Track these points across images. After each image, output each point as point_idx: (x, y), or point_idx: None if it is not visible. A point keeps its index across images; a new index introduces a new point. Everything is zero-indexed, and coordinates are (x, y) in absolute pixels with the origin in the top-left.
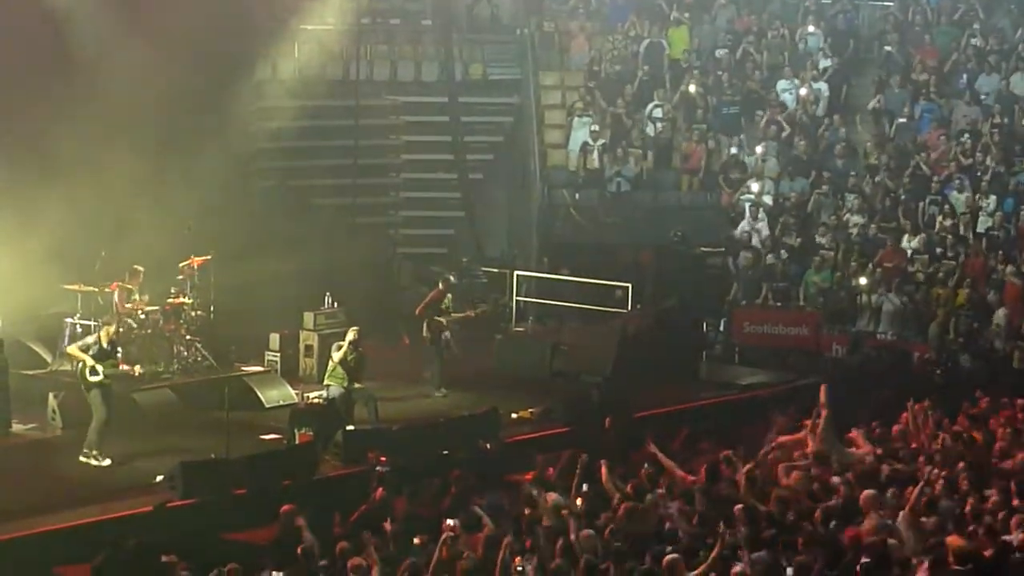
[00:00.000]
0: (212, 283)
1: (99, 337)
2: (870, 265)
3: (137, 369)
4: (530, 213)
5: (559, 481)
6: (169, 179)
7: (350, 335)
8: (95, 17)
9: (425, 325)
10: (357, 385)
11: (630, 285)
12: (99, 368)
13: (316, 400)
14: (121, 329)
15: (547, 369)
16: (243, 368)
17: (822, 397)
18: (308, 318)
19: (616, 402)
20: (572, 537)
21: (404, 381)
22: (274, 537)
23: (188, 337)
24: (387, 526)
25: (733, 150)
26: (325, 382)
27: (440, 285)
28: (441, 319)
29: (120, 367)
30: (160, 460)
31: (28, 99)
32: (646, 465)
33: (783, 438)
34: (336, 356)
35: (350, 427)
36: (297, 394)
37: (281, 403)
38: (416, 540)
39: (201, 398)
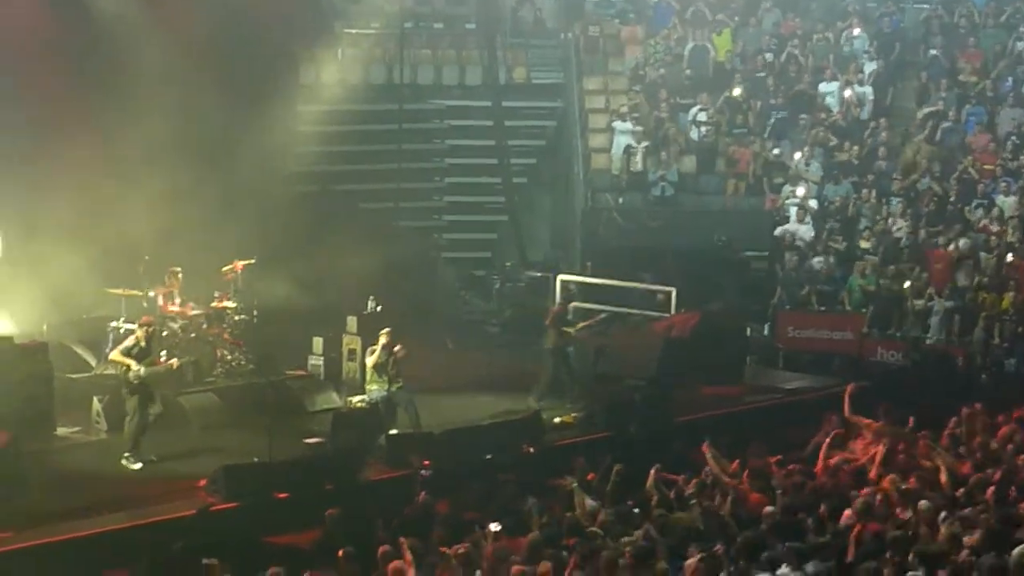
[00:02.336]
0: (255, 287)
1: (136, 337)
2: (916, 269)
3: (174, 362)
4: (573, 217)
5: (598, 486)
6: (212, 184)
7: (382, 338)
8: (138, 25)
9: (551, 335)
10: (395, 388)
11: (673, 289)
12: (141, 371)
13: (359, 404)
14: (165, 332)
15: (590, 372)
16: (286, 372)
17: (845, 401)
18: (351, 322)
19: (659, 405)
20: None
21: (447, 385)
22: (317, 540)
23: (231, 341)
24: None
25: (777, 153)
26: (367, 386)
27: (561, 294)
28: (569, 330)
29: (159, 363)
30: (204, 463)
31: (70, 107)
32: (701, 473)
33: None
34: (370, 360)
35: (393, 431)
36: (339, 398)
37: (324, 407)
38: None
39: (244, 402)
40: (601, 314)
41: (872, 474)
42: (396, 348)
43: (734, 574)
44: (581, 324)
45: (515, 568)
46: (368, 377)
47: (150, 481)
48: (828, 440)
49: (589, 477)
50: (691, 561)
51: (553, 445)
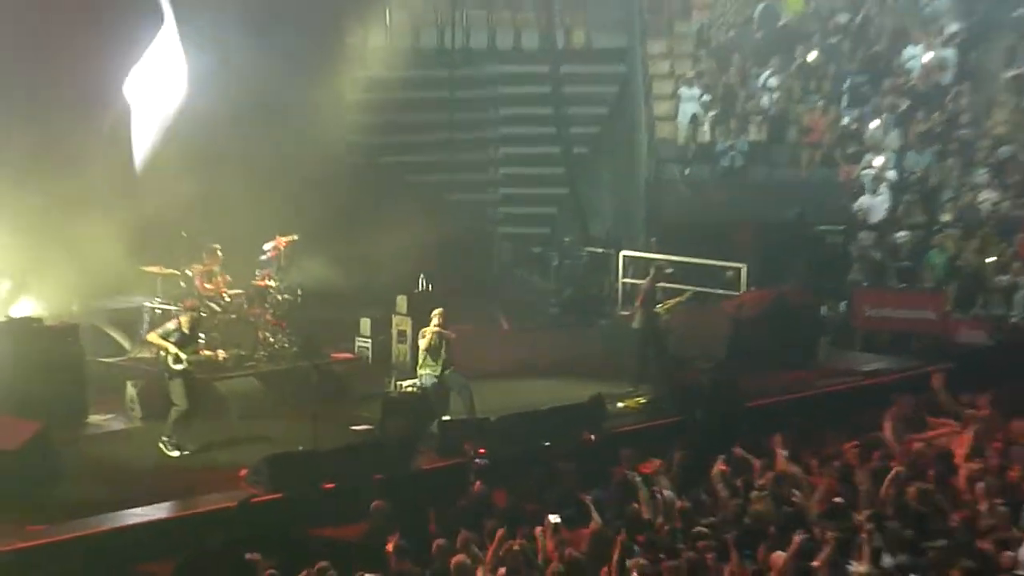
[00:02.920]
0: (299, 265)
1: (180, 322)
2: (1001, 243)
3: (221, 354)
4: (637, 190)
5: (664, 475)
6: (254, 155)
7: (434, 319)
8: None
9: (640, 316)
10: (448, 372)
11: (743, 266)
12: (182, 356)
13: (410, 389)
14: (203, 314)
15: (637, 357)
16: (332, 355)
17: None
18: (401, 301)
19: (727, 390)
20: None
21: (502, 368)
22: (364, 534)
23: (274, 322)
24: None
25: (853, 121)
26: (418, 370)
27: (652, 272)
28: (659, 310)
29: (202, 353)
30: (245, 452)
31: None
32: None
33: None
34: (422, 343)
35: (446, 417)
36: (389, 382)
37: (373, 392)
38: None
39: (287, 387)
40: (687, 292)
41: (958, 459)
42: (447, 331)
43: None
44: (670, 302)
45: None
46: (420, 360)
47: (188, 471)
48: (904, 423)
49: (649, 467)
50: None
51: (616, 432)
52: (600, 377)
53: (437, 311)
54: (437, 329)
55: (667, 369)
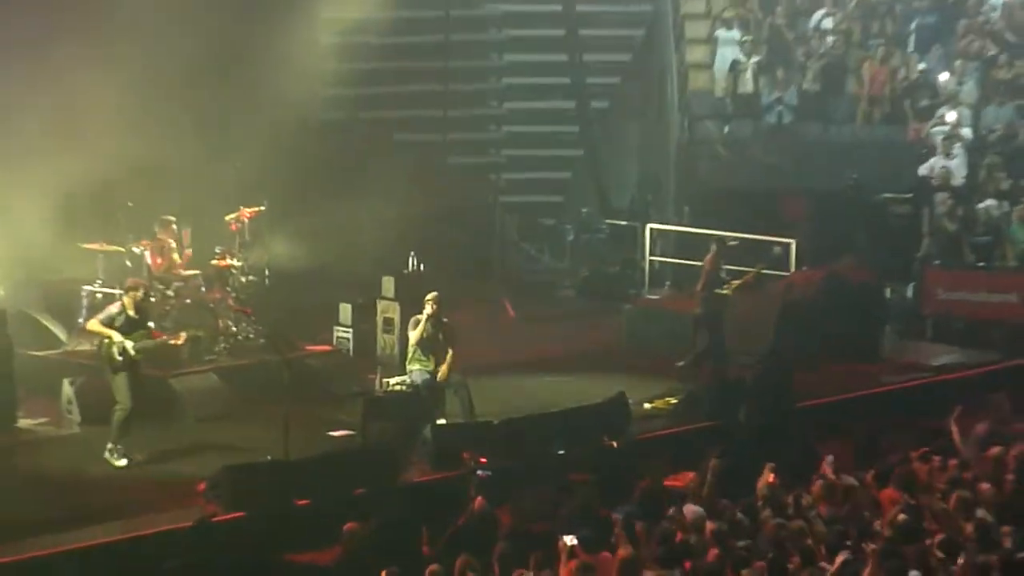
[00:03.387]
0: (267, 241)
1: (123, 305)
2: None
3: (182, 336)
4: (667, 151)
5: (701, 489)
6: (211, 111)
7: (428, 305)
8: None
9: (703, 300)
10: (431, 368)
11: (793, 241)
12: (128, 345)
13: (397, 388)
14: (153, 297)
15: (688, 346)
16: (306, 347)
17: None
18: (387, 284)
19: (775, 388)
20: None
21: (508, 363)
22: (337, 562)
23: (237, 308)
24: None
25: (922, 69)
26: (408, 365)
27: (713, 249)
28: (724, 292)
29: (157, 338)
30: (203, 462)
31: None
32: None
33: None
34: (413, 335)
35: (440, 421)
36: (374, 379)
37: (354, 391)
38: None
39: (253, 385)
40: (755, 270)
41: None
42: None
43: None
44: (736, 283)
45: None
46: (410, 354)
47: (136, 485)
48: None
49: (681, 480)
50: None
51: (642, 438)
52: (623, 373)
53: (431, 295)
54: (432, 315)
55: (724, 366)
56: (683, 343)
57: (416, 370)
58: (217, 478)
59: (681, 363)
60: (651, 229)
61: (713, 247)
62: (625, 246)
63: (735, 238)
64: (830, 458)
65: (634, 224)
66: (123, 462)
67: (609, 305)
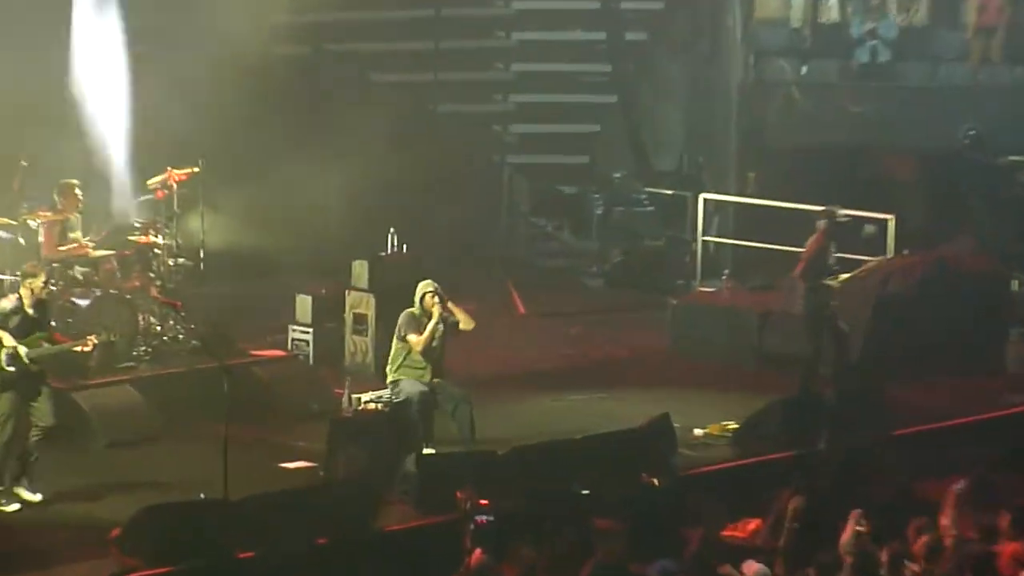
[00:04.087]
0: (203, 212)
1: (20, 299)
2: None
3: (89, 341)
4: (725, 97)
5: (770, 541)
6: (131, 42)
7: (425, 294)
8: None
9: (807, 291)
10: (438, 380)
11: (890, 217)
12: (22, 351)
13: (372, 406)
14: (54, 285)
15: (752, 353)
16: (253, 352)
17: None
18: (359, 270)
19: (865, 408)
20: None
21: (516, 374)
22: None
23: (163, 300)
24: None
25: None
26: (389, 377)
27: (820, 226)
28: (831, 282)
29: (60, 343)
30: (117, 502)
31: None
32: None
33: None
34: (418, 341)
35: (428, 450)
36: (341, 395)
37: (314, 410)
38: None
39: (182, 401)
40: (881, 256)
41: None
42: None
43: None
44: (846, 274)
45: None
46: (392, 362)
47: (31, 532)
48: None
49: (744, 529)
50: None
51: (691, 473)
52: (667, 388)
53: (425, 284)
54: (436, 306)
55: (851, 383)
56: (745, 351)
57: (402, 380)
58: (136, 523)
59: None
60: (705, 200)
61: (821, 224)
62: (670, 222)
63: (844, 214)
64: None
65: (682, 193)
66: (15, 507)
67: (649, 300)
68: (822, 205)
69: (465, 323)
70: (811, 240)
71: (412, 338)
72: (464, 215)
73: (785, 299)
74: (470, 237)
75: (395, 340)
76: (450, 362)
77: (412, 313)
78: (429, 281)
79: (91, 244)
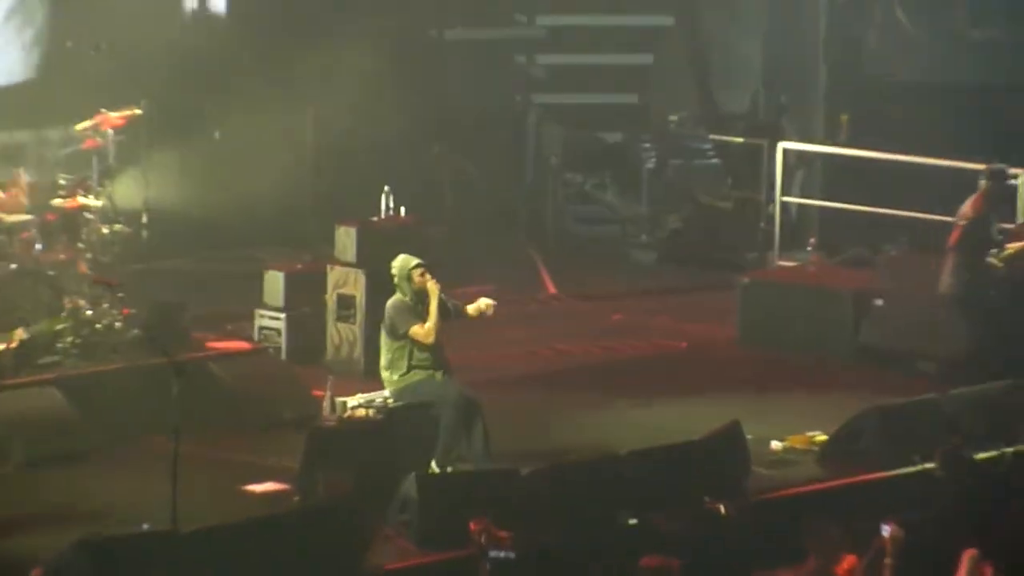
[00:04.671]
0: (145, 166)
1: None
2: None
3: (19, 335)
4: (813, 20)
5: None
6: None
7: (411, 271)
8: None
9: (958, 268)
10: (440, 377)
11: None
12: None
13: (362, 412)
14: None
15: (846, 345)
16: (209, 345)
17: None
18: (345, 239)
19: (988, 419)
20: None
21: (543, 373)
22: None
23: (96, 278)
24: None
25: None
26: (395, 386)
27: (982, 186)
28: (995, 261)
29: None
30: (39, 534)
31: None
32: None
33: None
34: (422, 332)
35: (433, 467)
36: (322, 398)
37: (288, 417)
38: None
39: (120, 407)
40: None
41: None
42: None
43: None
44: (1013, 247)
45: None
46: (391, 367)
47: None
48: None
49: (846, 564)
50: None
51: (768, 498)
52: (737, 390)
53: (407, 260)
54: (430, 280)
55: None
56: (838, 342)
57: (398, 381)
58: (64, 560)
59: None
60: (785, 150)
61: (982, 183)
62: (741, 179)
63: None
64: None
65: (757, 142)
66: None
67: (713, 278)
68: (934, 156)
69: (476, 309)
70: (969, 203)
71: (417, 330)
72: (479, 170)
73: (888, 276)
74: (486, 198)
75: (386, 340)
76: (454, 357)
77: (401, 301)
78: (406, 256)
79: (7, 208)
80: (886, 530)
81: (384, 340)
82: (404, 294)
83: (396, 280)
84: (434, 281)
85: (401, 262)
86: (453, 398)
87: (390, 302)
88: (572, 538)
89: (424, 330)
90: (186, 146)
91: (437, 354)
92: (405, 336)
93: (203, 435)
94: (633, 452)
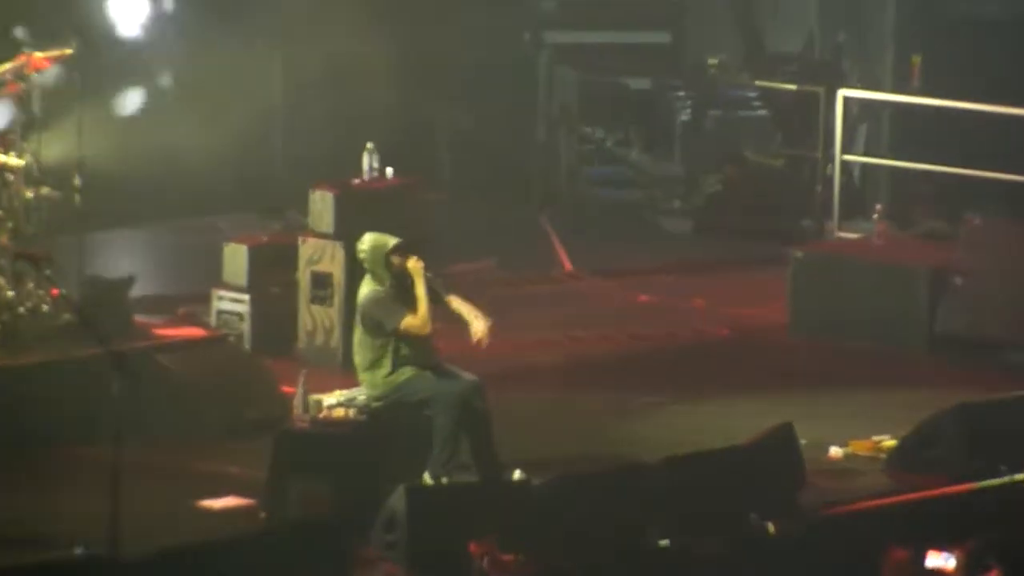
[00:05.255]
0: (80, 117)
1: None
2: None
3: None
4: None
5: None
6: None
7: (388, 255)
8: None
9: None
10: (433, 373)
11: None
12: None
13: (341, 412)
14: None
15: (919, 333)
16: (157, 332)
17: None
18: (321, 204)
19: None
20: None
21: (557, 363)
22: None
23: (19, 252)
24: None
25: None
26: (384, 388)
27: None
28: None
29: None
30: None
31: None
32: None
33: None
34: (414, 322)
35: (426, 479)
36: (293, 396)
37: (252, 419)
38: None
39: (51, 404)
40: None
41: None
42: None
43: None
44: None
45: None
46: (375, 366)
47: None
48: None
49: None
50: None
51: (829, 513)
52: (788, 386)
53: (379, 240)
54: (411, 260)
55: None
56: (909, 329)
57: (408, 380)
58: None
59: None
60: (846, 99)
61: None
62: (794, 133)
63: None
64: None
65: (813, 89)
66: None
67: (759, 251)
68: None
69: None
70: None
71: (411, 322)
72: (480, 123)
73: (970, 251)
74: (490, 156)
75: (365, 339)
76: (449, 347)
77: (378, 291)
78: (379, 235)
79: None
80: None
81: (362, 338)
82: (380, 282)
83: (367, 265)
84: (416, 259)
85: (373, 244)
86: (451, 397)
87: (365, 295)
88: (591, 563)
89: (419, 320)
90: (127, 92)
91: (427, 347)
92: (394, 332)
93: (150, 441)
94: (664, 460)
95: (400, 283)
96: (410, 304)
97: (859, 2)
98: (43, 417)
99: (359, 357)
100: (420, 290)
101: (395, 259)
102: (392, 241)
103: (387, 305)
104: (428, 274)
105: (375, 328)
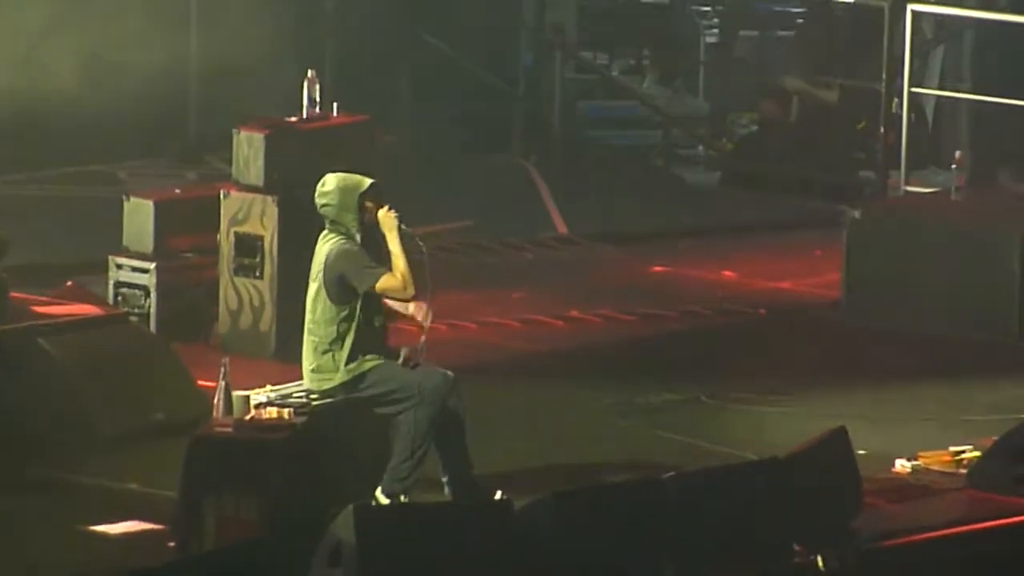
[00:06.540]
0: None
1: None
2: None
3: None
4: None
5: None
6: None
7: (361, 201)
8: None
9: None
10: (378, 361)
11: None
12: None
13: (273, 412)
14: None
15: (1010, 316)
16: (38, 310)
17: None
18: (247, 149)
19: None
20: None
21: (547, 351)
22: None
23: None
24: None
25: None
26: (346, 375)
27: None
28: None
29: None
30: None
31: None
32: None
33: None
34: (395, 282)
35: (379, 497)
36: (214, 393)
37: (158, 419)
38: None
39: None
40: None
41: None
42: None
43: None
44: None
45: None
46: (327, 329)
47: None
48: None
49: None
50: None
51: (893, 544)
52: (842, 380)
53: (348, 181)
54: (384, 209)
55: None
56: (998, 311)
57: (376, 367)
58: None
59: None
60: (916, 15)
61: None
62: (850, 59)
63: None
64: None
65: (874, 2)
66: None
67: (805, 208)
68: None
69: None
70: None
71: (389, 281)
72: (453, 47)
73: None
74: (464, 91)
75: (329, 308)
76: (413, 331)
77: (350, 245)
78: (350, 175)
79: None
80: None
81: (324, 309)
82: (348, 234)
83: (331, 214)
84: (389, 207)
85: (342, 185)
86: (428, 392)
87: (331, 250)
88: None
89: (398, 280)
90: (3, 16)
91: (383, 329)
92: (369, 295)
93: (30, 446)
94: (683, 474)
95: (368, 235)
96: (383, 261)
97: None
98: None
99: (315, 337)
100: (395, 245)
101: (369, 203)
102: (367, 181)
103: (361, 259)
104: (404, 227)
105: (343, 292)
